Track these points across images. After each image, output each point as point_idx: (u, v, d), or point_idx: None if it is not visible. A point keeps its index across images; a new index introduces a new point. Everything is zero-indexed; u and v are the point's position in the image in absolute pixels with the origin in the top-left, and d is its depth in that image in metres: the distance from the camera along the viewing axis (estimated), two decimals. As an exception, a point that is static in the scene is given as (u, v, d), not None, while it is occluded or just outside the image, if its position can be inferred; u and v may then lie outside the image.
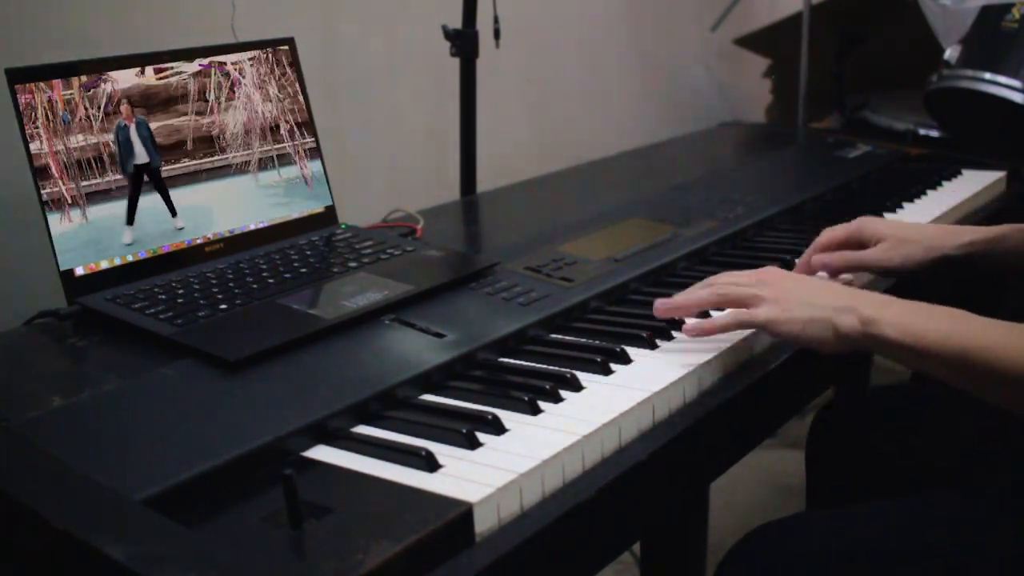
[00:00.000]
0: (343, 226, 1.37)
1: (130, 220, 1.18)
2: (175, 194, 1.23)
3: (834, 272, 1.23)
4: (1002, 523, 1.00)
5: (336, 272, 1.20)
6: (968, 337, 0.93)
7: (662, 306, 1.07)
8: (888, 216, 1.56)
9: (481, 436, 0.87)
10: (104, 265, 1.15)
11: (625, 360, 1.03)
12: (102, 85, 1.18)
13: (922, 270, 1.23)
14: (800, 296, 1.00)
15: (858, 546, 1.01)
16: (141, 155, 1.19)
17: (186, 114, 1.25)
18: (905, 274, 1.25)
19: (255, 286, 1.15)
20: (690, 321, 1.01)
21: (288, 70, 1.36)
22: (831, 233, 1.26)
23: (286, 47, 1.36)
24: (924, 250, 1.23)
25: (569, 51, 2.39)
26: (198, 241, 1.24)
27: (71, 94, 1.15)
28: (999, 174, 1.81)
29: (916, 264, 1.23)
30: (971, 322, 0.95)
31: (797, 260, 1.28)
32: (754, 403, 1.04)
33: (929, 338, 0.94)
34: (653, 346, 1.06)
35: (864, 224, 1.25)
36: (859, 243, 1.25)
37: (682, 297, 1.06)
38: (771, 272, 1.07)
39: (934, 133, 2.29)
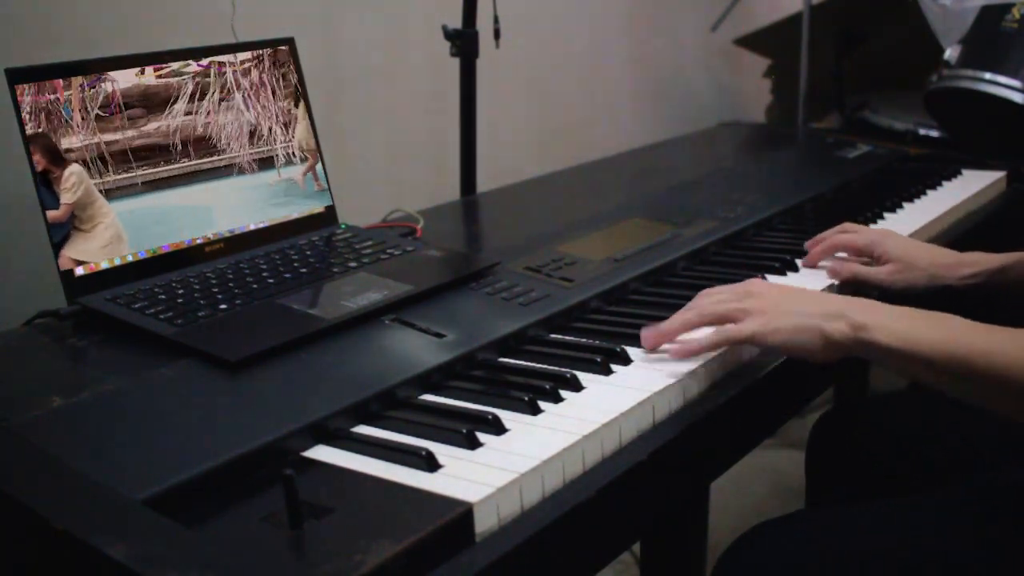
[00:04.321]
0: (343, 226, 1.37)
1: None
2: (175, 194, 1.23)
3: (837, 279, 1.26)
4: (1000, 523, 1.00)
5: (336, 272, 1.20)
6: (968, 343, 0.90)
7: (649, 338, 1.02)
8: (888, 216, 1.56)
9: (481, 436, 0.87)
10: (104, 265, 1.15)
11: (625, 360, 1.03)
12: (102, 85, 1.18)
13: (921, 295, 1.27)
14: (786, 306, 0.98)
15: (856, 545, 1.01)
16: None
17: (186, 114, 1.25)
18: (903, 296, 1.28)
19: (255, 286, 1.15)
20: (673, 344, 0.98)
21: (288, 70, 1.36)
22: (849, 238, 1.31)
23: (286, 47, 1.36)
24: (928, 278, 1.26)
25: (569, 51, 2.38)
26: (198, 241, 1.24)
27: (71, 94, 1.15)
28: (999, 174, 1.81)
29: (917, 291, 1.27)
30: (969, 328, 0.93)
31: (807, 243, 1.34)
32: (753, 403, 1.04)
33: (925, 344, 0.91)
34: (653, 346, 1.06)
35: (877, 243, 1.29)
36: (868, 254, 1.30)
37: (667, 324, 1.02)
38: (755, 284, 1.04)
39: (934, 133, 2.29)
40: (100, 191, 1.16)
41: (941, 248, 1.34)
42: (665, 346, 1.01)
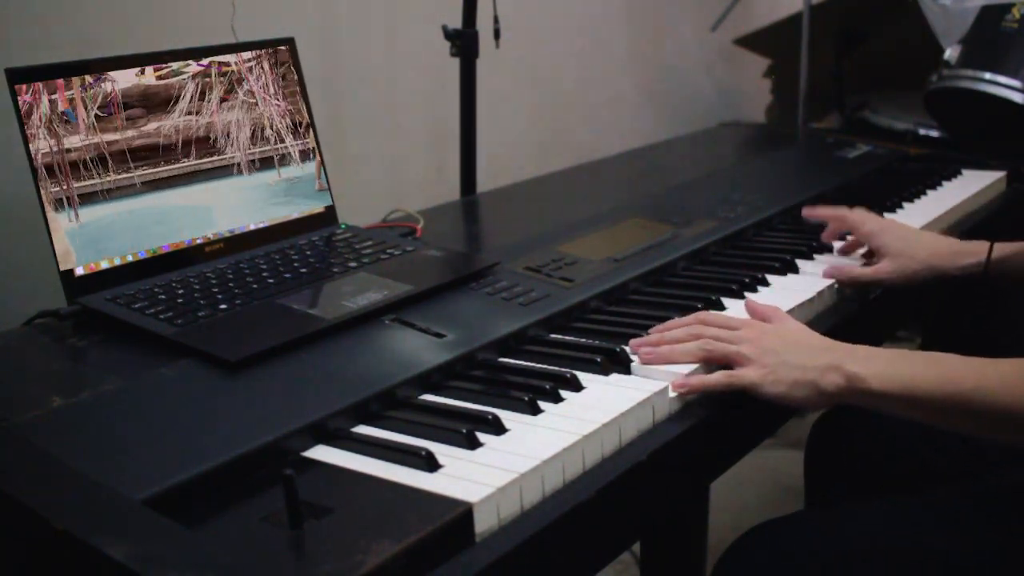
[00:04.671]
0: (343, 226, 1.37)
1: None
2: (175, 194, 1.23)
3: (838, 281, 1.27)
4: (1000, 523, 1.00)
5: (336, 272, 1.20)
6: (958, 379, 0.92)
7: (645, 355, 1.02)
8: (888, 216, 1.56)
9: (481, 436, 0.87)
10: (104, 265, 1.15)
11: (625, 360, 1.03)
12: (102, 85, 1.18)
13: (922, 287, 1.29)
14: (784, 357, 0.98)
15: (856, 545, 1.01)
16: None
17: (186, 114, 1.25)
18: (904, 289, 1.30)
19: (255, 286, 1.15)
20: (678, 380, 0.98)
21: (288, 70, 1.36)
22: (853, 220, 1.35)
23: (286, 47, 1.36)
24: (928, 270, 1.28)
25: (569, 51, 2.39)
26: (198, 241, 1.24)
27: (71, 94, 1.15)
28: (999, 174, 1.81)
29: (918, 283, 1.29)
30: (958, 364, 0.94)
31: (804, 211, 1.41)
32: (753, 403, 1.04)
33: (918, 385, 0.93)
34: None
35: (874, 235, 1.32)
36: (865, 243, 1.34)
37: (667, 349, 1.02)
38: (754, 328, 1.04)
39: (934, 133, 2.29)
40: (101, 192, 1.16)
41: (940, 236, 1.35)
42: (677, 380, 1.00)
